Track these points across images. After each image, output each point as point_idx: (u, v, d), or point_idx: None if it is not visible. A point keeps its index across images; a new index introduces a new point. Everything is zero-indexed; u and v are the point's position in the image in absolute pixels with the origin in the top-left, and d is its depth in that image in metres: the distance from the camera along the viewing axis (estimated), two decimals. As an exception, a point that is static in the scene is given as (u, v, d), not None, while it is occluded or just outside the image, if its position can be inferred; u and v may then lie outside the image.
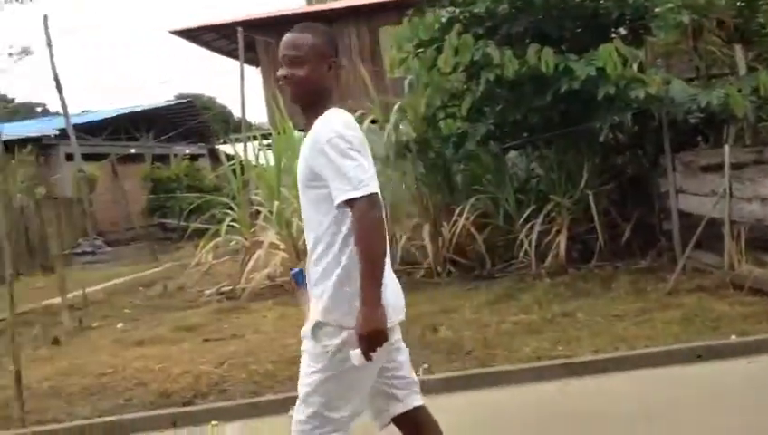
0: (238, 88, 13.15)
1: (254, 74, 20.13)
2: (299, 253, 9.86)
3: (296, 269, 2.84)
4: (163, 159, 26.76)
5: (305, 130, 2.70)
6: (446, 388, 5.06)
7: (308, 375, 2.64)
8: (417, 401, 2.80)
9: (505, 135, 9.48)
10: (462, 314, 7.02)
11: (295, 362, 5.88)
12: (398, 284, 2.74)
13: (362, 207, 2.43)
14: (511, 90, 8.78)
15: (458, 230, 9.13)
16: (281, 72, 2.70)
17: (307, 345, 2.66)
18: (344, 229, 2.53)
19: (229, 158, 11.77)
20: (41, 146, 21.43)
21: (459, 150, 9.39)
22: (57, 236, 12.83)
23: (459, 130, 9.60)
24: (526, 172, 10.07)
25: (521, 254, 8.92)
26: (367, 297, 2.44)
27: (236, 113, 32.64)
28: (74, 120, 19.97)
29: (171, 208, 22.46)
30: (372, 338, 2.44)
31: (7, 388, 5.96)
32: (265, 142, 11.50)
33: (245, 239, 10.28)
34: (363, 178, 2.45)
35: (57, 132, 21.53)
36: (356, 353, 2.47)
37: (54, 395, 5.78)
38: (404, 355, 2.81)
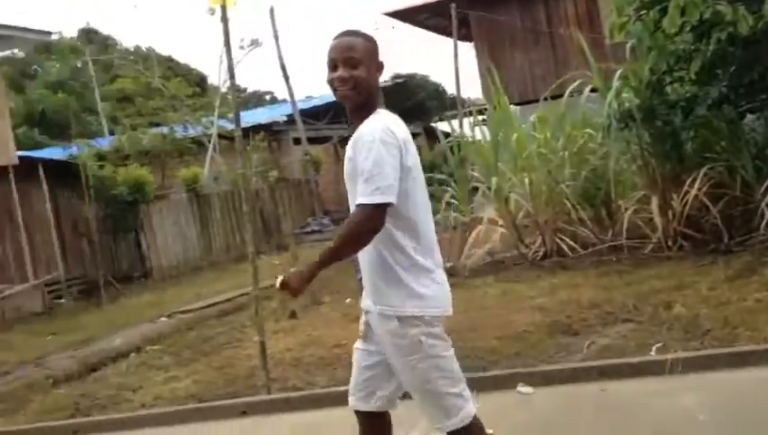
0: (451, 65, 13.21)
1: (467, 50, 20.14)
2: (518, 229, 9.78)
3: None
4: (382, 139, 27.58)
5: (353, 129, 2.79)
6: (684, 368, 4.79)
7: (415, 371, 2.74)
8: (393, 406, 3.02)
9: (740, 98, 8.74)
10: (697, 291, 6.59)
11: (521, 337, 5.93)
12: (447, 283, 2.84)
13: (363, 213, 2.62)
14: (745, 48, 8.07)
15: (689, 202, 8.57)
16: (338, 73, 2.77)
17: (395, 342, 2.74)
18: (391, 225, 2.68)
19: (446, 135, 11.89)
20: (271, 132, 22.94)
21: (689, 116, 8.78)
22: (289, 217, 13.72)
23: (688, 95, 8.98)
24: (765, 137, 9.22)
25: (762, 226, 8.21)
26: (324, 259, 2.70)
27: (450, 90, 32.93)
28: (300, 106, 21.14)
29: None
30: (289, 287, 2.70)
31: (253, 357, 6.49)
32: (481, 117, 11.48)
33: (464, 216, 10.35)
34: (381, 185, 2.59)
35: (285, 118, 22.93)
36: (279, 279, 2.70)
37: (295, 365, 6.21)
38: None
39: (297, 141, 21.93)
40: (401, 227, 2.72)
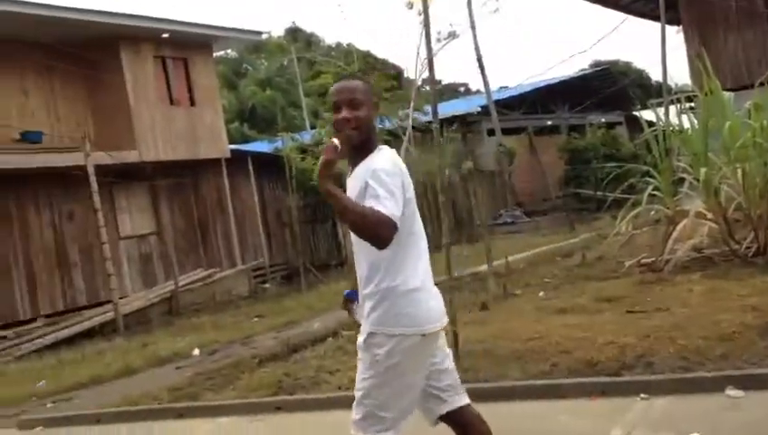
0: (656, 50, 12.50)
1: (673, 34, 19.03)
2: (729, 223, 9.09)
3: (349, 290, 3.34)
4: (578, 129, 26.82)
5: (354, 164, 3.04)
6: None
7: (361, 381, 2.98)
8: (462, 401, 3.13)
9: None
10: None
11: (729, 338, 5.51)
12: (440, 293, 3.05)
13: (383, 218, 2.75)
14: None
15: None
16: (342, 114, 2.99)
17: (361, 355, 2.99)
18: (390, 254, 2.87)
19: (650, 124, 11.30)
20: (465, 123, 22.98)
21: None
22: (481, 208, 13.67)
23: None
24: None
25: None
26: (342, 199, 2.83)
27: (655, 77, 31.28)
28: (494, 97, 20.99)
29: (587, 179, 22.45)
30: (322, 171, 2.83)
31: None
32: (689, 105, 10.79)
33: (668, 209, 9.79)
34: (394, 210, 2.79)
35: (479, 109, 22.87)
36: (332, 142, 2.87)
37: (486, 356, 6.16)
38: (447, 359, 3.12)
39: (491, 132, 21.81)
40: (392, 251, 2.87)
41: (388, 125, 22.46)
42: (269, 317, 12.23)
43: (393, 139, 21.76)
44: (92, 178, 13.91)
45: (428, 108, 20.76)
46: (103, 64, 16.67)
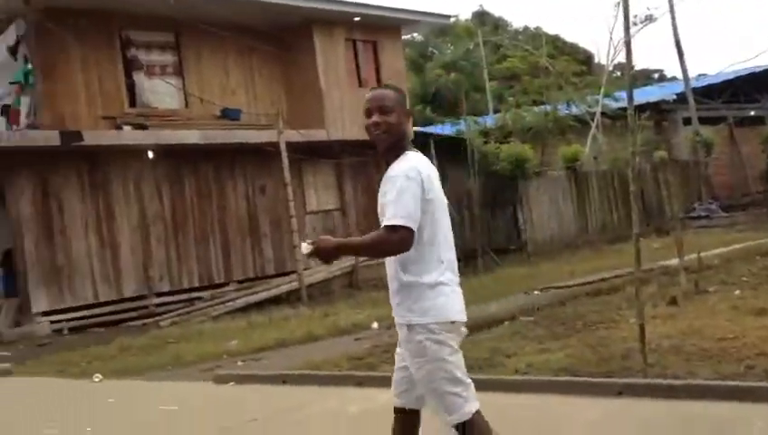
0: None
1: None
2: None
3: None
4: (784, 120, 24.73)
5: (387, 166, 3.24)
6: None
7: (418, 371, 3.18)
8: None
9: None
10: None
11: None
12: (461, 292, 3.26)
13: (386, 233, 3.08)
14: None
15: None
16: (372, 119, 3.27)
17: (405, 347, 3.23)
18: (413, 252, 3.12)
19: None
20: (659, 111, 21.87)
21: None
22: (673, 200, 12.99)
23: None
24: None
25: None
26: (347, 245, 3.41)
27: None
28: (692, 84, 19.81)
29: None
30: (321, 253, 3.13)
31: (628, 340, 6.28)
32: None
33: None
34: (402, 213, 3.05)
35: (675, 97, 21.69)
36: (305, 245, 3.12)
37: (674, 353, 5.87)
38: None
39: (687, 121, 20.62)
40: (418, 249, 3.14)
41: (575, 111, 21.89)
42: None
43: (581, 125, 21.20)
44: (284, 155, 14.58)
45: (619, 94, 19.99)
46: (298, 46, 17.45)
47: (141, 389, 7.42)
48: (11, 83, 14.73)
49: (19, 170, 13.55)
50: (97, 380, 7.92)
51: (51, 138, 13.26)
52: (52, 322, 13.35)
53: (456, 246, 3.39)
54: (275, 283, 15.84)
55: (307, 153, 16.65)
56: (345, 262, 17.08)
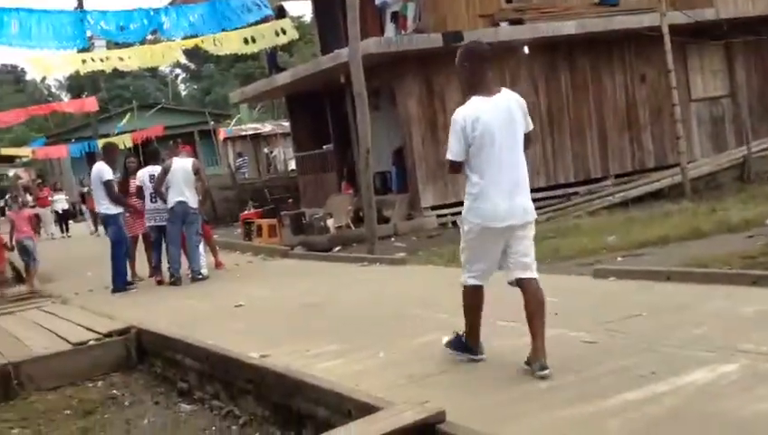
0: None
1: None
2: None
3: None
4: None
5: None
6: None
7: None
8: (523, 274, 4.46)
9: None
10: None
11: None
12: (510, 202, 4.42)
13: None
14: None
15: None
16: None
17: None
18: (466, 175, 4.52)
19: None
20: None
21: None
22: None
23: None
24: None
25: None
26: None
27: None
28: None
29: None
30: None
31: None
32: None
33: None
34: (448, 148, 4.50)
35: None
36: None
37: None
38: (520, 246, 4.46)
39: None
40: (470, 170, 4.46)
41: None
42: None
43: None
44: (666, 39, 13.63)
45: None
46: None
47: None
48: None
49: (407, 73, 14.54)
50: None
51: (434, 40, 13.92)
52: (438, 215, 14.38)
53: None
54: (655, 176, 15.15)
55: (692, 35, 15.34)
56: (735, 153, 15.67)
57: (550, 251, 9.38)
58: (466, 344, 4.70)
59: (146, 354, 6.92)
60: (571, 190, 15.28)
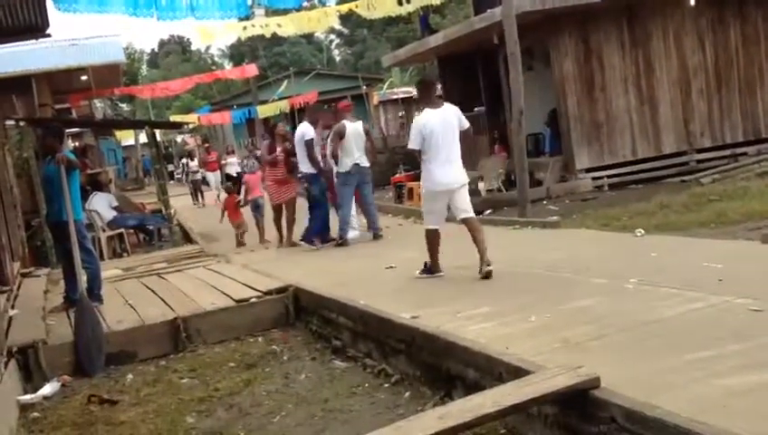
0: None
1: None
2: None
3: None
4: None
5: None
6: None
7: None
8: (465, 215, 6.96)
9: None
10: None
11: None
12: (454, 173, 7.03)
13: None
14: None
15: None
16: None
17: None
18: (424, 155, 7.00)
19: None
20: None
21: None
22: None
23: None
24: None
25: None
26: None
27: None
28: None
29: None
30: None
31: None
32: None
33: None
34: (410, 140, 7.12)
35: None
36: None
37: None
38: (460, 200, 6.98)
39: None
40: (423, 154, 6.97)
41: None
42: None
43: None
44: None
45: None
46: None
47: (683, 245, 7.29)
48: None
49: (562, 31, 14.05)
50: (639, 234, 8.03)
51: (591, -6, 13.38)
52: (593, 178, 13.92)
53: None
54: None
55: None
56: None
57: (714, 215, 8.88)
58: (431, 269, 7.09)
59: (302, 312, 7.21)
60: (739, 151, 14.32)
